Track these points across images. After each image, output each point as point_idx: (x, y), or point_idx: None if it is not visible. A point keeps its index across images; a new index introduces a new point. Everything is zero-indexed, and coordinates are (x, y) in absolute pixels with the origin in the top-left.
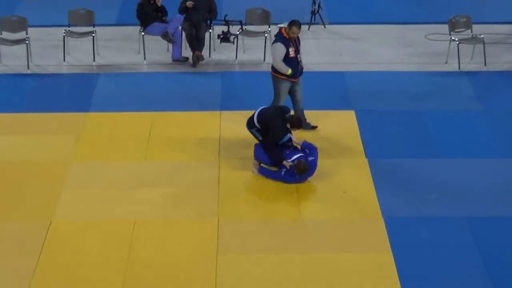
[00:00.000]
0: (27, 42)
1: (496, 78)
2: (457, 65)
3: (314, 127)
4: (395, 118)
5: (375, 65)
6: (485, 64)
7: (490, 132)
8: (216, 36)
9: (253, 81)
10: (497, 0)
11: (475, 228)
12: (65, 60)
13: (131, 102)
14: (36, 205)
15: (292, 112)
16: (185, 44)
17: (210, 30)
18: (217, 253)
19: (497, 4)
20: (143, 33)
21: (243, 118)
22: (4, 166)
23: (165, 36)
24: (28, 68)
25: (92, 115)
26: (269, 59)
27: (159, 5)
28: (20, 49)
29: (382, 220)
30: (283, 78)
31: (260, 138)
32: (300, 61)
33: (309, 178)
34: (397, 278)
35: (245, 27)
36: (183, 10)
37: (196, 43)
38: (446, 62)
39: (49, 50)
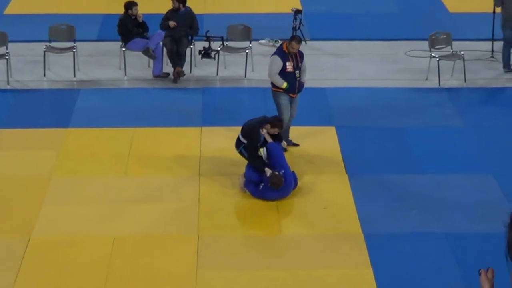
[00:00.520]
0: (7, 57)
1: (476, 94)
2: (438, 81)
3: (296, 145)
4: (376, 134)
5: (356, 81)
6: (465, 81)
7: (471, 148)
8: (197, 52)
9: (234, 97)
10: (477, 17)
11: (455, 244)
12: (46, 75)
13: (111, 118)
14: (15, 221)
15: None
16: (166, 60)
17: (191, 46)
18: (197, 269)
19: (476, 21)
20: (124, 49)
21: (224, 134)
22: None
23: (146, 51)
24: (8, 83)
25: (72, 131)
26: (250, 75)
27: (140, 20)
28: (0, 64)
29: (362, 236)
30: (280, 92)
31: (247, 155)
32: (299, 77)
33: (289, 195)
34: None
35: (226, 43)
36: (165, 26)
37: (177, 59)
38: (426, 79)
39: (30, 65)
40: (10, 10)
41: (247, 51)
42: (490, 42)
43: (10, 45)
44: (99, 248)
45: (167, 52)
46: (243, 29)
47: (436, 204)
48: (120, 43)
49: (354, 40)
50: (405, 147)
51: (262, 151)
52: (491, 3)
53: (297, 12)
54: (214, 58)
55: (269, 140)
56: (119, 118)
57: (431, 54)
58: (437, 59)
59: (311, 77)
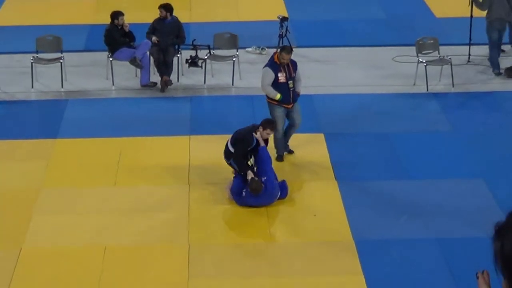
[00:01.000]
0: None
1: (464, 99)
2: (425, 86)
3: (291, 151)
4: (364, 140)
5: (343, 87)
6: (453, 85)
7: (459, 153)
8: (184, 61)
9: (222, 105)
10: (463, 22)
11: (446, 249)
12: (33, 86)
13: (100, 128)
14: (6, 232)
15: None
16: (153, 69)
17: (178, 55)
18: (188, 277)
19: (463, 26)
20: (111, 59)
21: (212, 143)
22: None
23: (133, 61)
24: None
25: (61, 142)
26: (237, 83)
27: (127, 30)
28: None
29: (353, 242)
30: (275, 104)
31: (237, 168)
32: (292, 87)
33: (278, 201)
34: None
35: (213, 51)
36: (150, 39)
37: (164, 68)
38: (414, 84)
39: (17, 77)
40: None
41: (234, 59)
42: (477, 47)
43: None
44: (90, 258)
45: (154, 62)
46: (230, 37)
47: (427, 209)
48: (107, 53)
49: (341, 46)
50: (394, 153)
51: (251, 161)
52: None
53: (283, 19)
54: (201, 66)
55: (262, 143)
56: (107, 128)
57: (418, 59)
58: (425, 64)
59: None
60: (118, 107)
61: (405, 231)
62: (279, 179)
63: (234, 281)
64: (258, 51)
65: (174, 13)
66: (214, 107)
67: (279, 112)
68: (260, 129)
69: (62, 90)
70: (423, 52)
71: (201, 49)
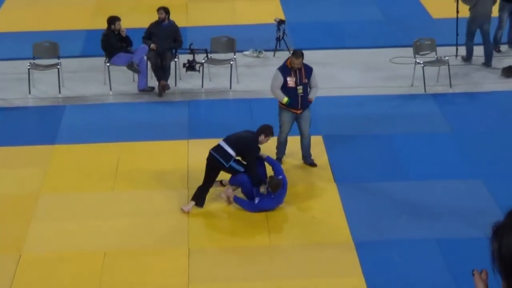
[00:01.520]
0: None
1: (462, 99)
2: (423, 87)
3: (313, 164)
4: (363, 142)
5: (341, 89)
6: (451, 86)
7: (458, 154)
8: (181, 65)
9: (220, 109)
10: (460, 22)
11: (445, 249)
12: (31, 93)
13: (98, 133)
14: (5, 239)
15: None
16: (150, 74)
17: (176, 59)
18: (188, 282)
19: (460, 26)
20: (108, 64)
21: (210, 146)
22: None
23: (131, 66)
24: None
25: (59, 148)
26: (235, 86)
27: (124, 35)
28: None
29: (353, 244)
30: (283, 108)
31: (242, 169)
32: (302, 93)
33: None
34: None
35: (210, 55)
36: (147, 44)
37: (162, 72)
38: (411, 85)
39: (14, 83)
40: None
41: (231, 62)
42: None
43: None
44: (90, 263)
45: (152, 66)
46: (227, 41)
47: (426, 210)
48: (104, 58)
49: (338, 48)
50: (393, 154)
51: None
52: None
53: (280, 22)
54: (199, 70)
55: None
56: (105, 133)
57: (415, 61)
58: (422, 65)
59: None
60: (116, 112)
61: (405, 232)
62: None
63: (235, 285)
64: (255, 55)
65: (171, 17)
66: (212, 111)
67: (286, 117)
68: (262, 136)
69: (60, 96)
70: (421, 53)
71: (198, 53)
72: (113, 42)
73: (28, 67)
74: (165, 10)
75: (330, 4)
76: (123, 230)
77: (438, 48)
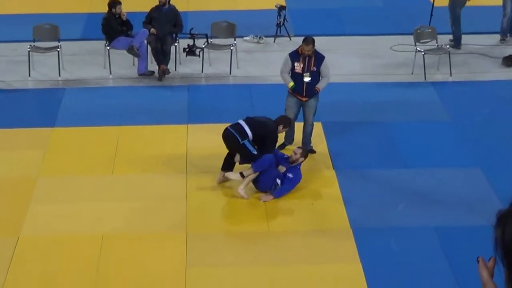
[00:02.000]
0: None
1: (462, 88)
2: (423, 75)
3: (312, 151)
4: (362, 129)
5: (341, 76)
6: (451, 74)
7: (457, 142)
8: (181, 50)
9: (219, 94)
10: (462, 11)
11: (443, 237)
12: (31, 75)
13: (97, 116)
14: (3, 221)
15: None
16: (150, 58)
17: (176, 44)
18: (186, 266)
19: (462, 15)
20: (108, 48)
21: (210, 131)
22: None
23: (131, 50)
24: None
25: (58, 130)
26: (234, 72)
27: (124, 19)
28: None
29: (351, 231)
30: (289, 93)
31: (255, 152)
32: (309, 81)
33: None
34: None
35: (211, 40)
36: (148, 29)
37: (162, 57)
38: (412, 73)
39: (14, 65)
40: None
41: (231, 48)
42: (475, 35)
43: None
44: (88, 247)
45: (152, 50)
46: (227, 26)
47: (424, 198)
48: (104, 42)
49: (339, 35)
50: (392, 141)
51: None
52: None
53: (281, 8)
54: (199, 55)
55: None
56: (105, 117)
57: (416, 48)
58: (423, 53)
59: None
60: (115, 96)
61: (403, 220)
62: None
63: (232, 270)
64: (256, 40)
65: (172, 2)
66: (212, 96)
67: (291, 102)
68: (281, 127)
69: (60, 78)
70: (421, 41)
71: (198, 38)
72: (113, 25)
73: (28, 49)
74: None
75: None
76: (121, 214)
77: (438, 36)
